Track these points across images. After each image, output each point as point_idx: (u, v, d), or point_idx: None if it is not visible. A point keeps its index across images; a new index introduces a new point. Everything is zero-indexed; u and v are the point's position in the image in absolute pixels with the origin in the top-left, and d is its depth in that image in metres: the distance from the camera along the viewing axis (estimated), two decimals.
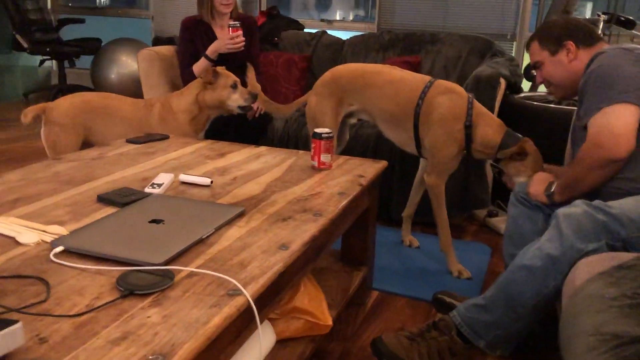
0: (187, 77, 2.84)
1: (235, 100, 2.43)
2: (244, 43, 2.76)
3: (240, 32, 2.73)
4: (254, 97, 2.44)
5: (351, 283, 1.85)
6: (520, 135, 2.07)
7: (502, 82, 2.66)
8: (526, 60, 3.61)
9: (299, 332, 1.50)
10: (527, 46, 1.92)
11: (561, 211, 1.51)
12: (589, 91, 1.66)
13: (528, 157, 2.01)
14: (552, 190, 1.73)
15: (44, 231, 1.25)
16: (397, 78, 2.25)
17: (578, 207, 1.49)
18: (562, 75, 1.82)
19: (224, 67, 2.49)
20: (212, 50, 2.77)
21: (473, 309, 1.60)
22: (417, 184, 2.45)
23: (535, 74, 1.93)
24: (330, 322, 1.54)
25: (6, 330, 0.78)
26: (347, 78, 2.33)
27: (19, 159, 3.74)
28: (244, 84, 2.81)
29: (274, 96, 3.36)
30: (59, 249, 1.15)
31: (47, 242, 1.20)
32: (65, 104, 2.40)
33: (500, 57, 3.06)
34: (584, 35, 1.80)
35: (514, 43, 4.29)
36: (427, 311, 2.00)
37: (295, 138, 2.84)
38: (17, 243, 1.19)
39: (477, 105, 2.14)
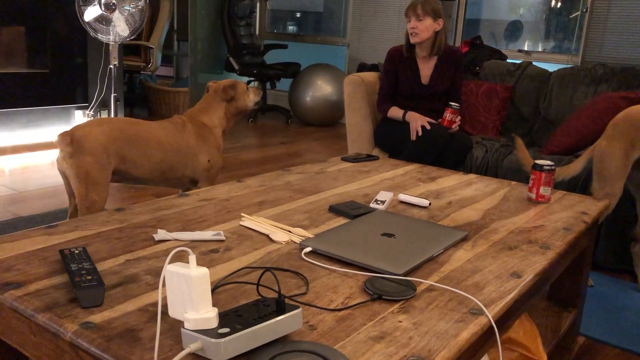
0: (381, 110, 3.09)
1: (252, 99, 2.65)
2: (457, 128, 2.92)
3: (458, 119, 2.88)
4: (260, 92, 2.70)
5: (561, 324, 1.77)
6: None
7: None
8: None
9: None
10: None
11: None
12: None
13: None
14: None
15: (289, 232, 1.40)
16: None
17: None
18: None
19: (232, 80, 2.63)
20: (410, 116, 2.91)
21: None
22: None
23: None
24: (545, 359, 1.49)
25: (291, 313, 0.90)
26: None
27: (229, 169, 4.17)
28: (440, 117, 2.92)
29: (472, 125, 3.35)
30: (308, 249, 1.28)
31: (295, 242, 1.33)
32: (95, 131, 2.21)
33: None
34: None
35: None
36: None
37: (495, 168, 2.80)
38: (271, 240, 1.35)
39: None
